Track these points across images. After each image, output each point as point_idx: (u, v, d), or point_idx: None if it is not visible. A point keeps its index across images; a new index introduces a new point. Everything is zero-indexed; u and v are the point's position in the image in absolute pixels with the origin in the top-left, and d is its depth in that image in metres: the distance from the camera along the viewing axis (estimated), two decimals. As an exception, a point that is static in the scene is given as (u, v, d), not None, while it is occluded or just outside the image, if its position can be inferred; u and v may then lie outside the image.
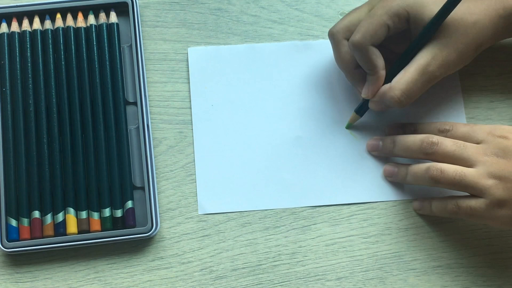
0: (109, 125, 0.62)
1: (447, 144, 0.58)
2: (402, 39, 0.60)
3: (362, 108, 0.62)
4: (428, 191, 0.62)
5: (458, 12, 0.57)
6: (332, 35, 0.61)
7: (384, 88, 0.59)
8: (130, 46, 0.64)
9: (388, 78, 0.60)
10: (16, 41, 0.64)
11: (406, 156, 0.61)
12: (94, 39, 0.64)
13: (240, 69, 0.66)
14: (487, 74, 0.65)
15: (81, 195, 0.61)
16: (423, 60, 0.58)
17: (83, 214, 0.61)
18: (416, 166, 0.60)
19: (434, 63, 0.58)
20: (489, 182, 0.56)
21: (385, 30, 0.58)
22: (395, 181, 0.63)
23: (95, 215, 0.61)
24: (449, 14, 0.57)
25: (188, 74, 0.65)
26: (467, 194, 0.58)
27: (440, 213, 0.60)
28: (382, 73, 0.59)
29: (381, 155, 0.63)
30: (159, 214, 0.62)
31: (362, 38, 0.58)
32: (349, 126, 0.64)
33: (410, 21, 0.58)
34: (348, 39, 0.60)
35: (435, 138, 0.58)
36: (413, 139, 0.59)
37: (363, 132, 0.64)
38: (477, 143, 0.58)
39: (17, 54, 0.63)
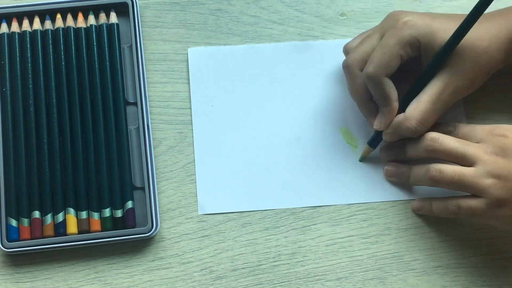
0: (109, 125, 0.62)
1: (449, 141, 0.58)
2: (411, 65, 0.60)
3: (375, 140, 0.62)
4: (427, 191, 0.62)
5: (468, 38, 0.57)
6: (347, 67, 0.60)
7: (399, 119, 0.59)
8: (130, 46, 0.64)
9: (401, 108, 0.59)
10: (16, 41, 0.64)
11: (415, 157, 0.60)
12: (94, 39, 0.64)
13: (240, 70, 0.66)
14: (487, 74, 0.65)
15: (81, 195, 0.61)
16: (435, 89, 0.58)
17: (83, 214, 0.61)
18: (417, 167, 0.60)
19: (446, 91, 0.58)
20: (488, 182, 0.56)
21: (398, 60, 0.58)
22: (397, 182, 0.63)
23: (95, 215, 0.61)
24: (459, 41, 0.57)
25: (188, 75, 0.65)
26: (468, 194, 0.58)
27: (440, 213, 0.60)
28: (396, 104, 0.59)
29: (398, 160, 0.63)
30: (159, 214, 0.62)
31: (376, 69, 0.58)
32: (363, 159, 0.63)
33: (422, 49, 0.58)
34: (361, 70, 0.59)
35: (435, 134, 0.58)
36: (418, 137, 0.60)
37: (361, 136, 0.64)
38: (478, 143, 0.58)
39: (17, 54, 0.63)
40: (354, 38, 0.63)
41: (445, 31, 0.57)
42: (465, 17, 0.56)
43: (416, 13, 0.59)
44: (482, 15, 0.56)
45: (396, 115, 0.60)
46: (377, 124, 0.61)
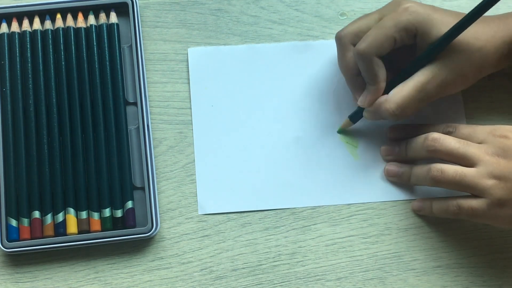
0: (109, 125, 0.62)
1: (450, 141, 0.58)
2: (406, 53, 0.60)
3: (356, 115, 0.62)
4: (427, 191, 0.62)
5: (464, 35, 0.57)
6: (339, 39, 0.61)
7: (381, 100, 0.59)
8: (130, 46, 0.64)
9: (386, 91, 0.60)
10: (16, 41, 0.64)
11: (415, 157, 0.61)
12: (94, 39, 0.64)
13: (240, 70, 0.66)
14: (488, 74, 0.65)
15: (81, 195, 0.61)
16: (422, 77, 0.58)
17: (83, 214, 0.61)
18: (417, 167, 0.60)
19: (433, 82, 0.58)
20: (489, 182, 0.56)
21: (391, 43, 0.58)
22: (397, 182, 0.63)
23: (95, 215, 0.61)
24: (455, 37, 0.57)
25: (188, 75, 0.65)
26: (469, 194, 0.58)
27: (441, 214, 0.60)
28: (382, 85, 0.59)
29: (397, 160, 0.63)
30: (159, 214, 0.62)
31: (368, 47, 0.58)
32: (341, 131, 0.64)
33: (417, 37, 0.58)
34: (354, 45, 0.59)
35: (436, 135, 0.58)
36: (418, 138, 0.60)
37: (361, 135, 0.64)
38: (479, 143, 0.58)
39: (17, 54, 0.63)
40: (349, 24, 0.61)
41: (444, 23, 0.57)
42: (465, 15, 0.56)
43: (418, 2, 0.59)
44: (481, 18, 0.56)
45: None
46: (361, 101, 0.61)
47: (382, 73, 0.59)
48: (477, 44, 0.58)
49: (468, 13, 0.56)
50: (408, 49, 0.60)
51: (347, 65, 0.61)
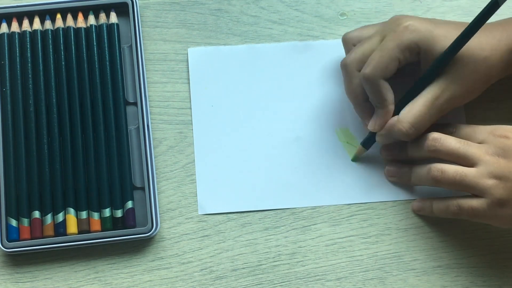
0: (109, 125, 0.62)
1: (451, 141, 0.58)
2: (411, 69, 0.60)
3: (368, 141, 0.62)
4: (427, 191, 0.62)
5: (469, 47, 0.57)
6: (344, 67, 0.60)
7: (392, 121, 0.59)
8: (130, 46, 0.64)
9: (396, 111, 0.59)
10: (16, 41, 0.64)
11: (415, 156, 0.60)
12: (94, 39, 0.64)
13: (240, 70, 0.66)
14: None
15: (81, 195, 0.61)
16: (431, 94, 0.58)
17: (83, 214, 0.61)
18: (418, 167, 0.60)
19: (442, 97, 0.58)
20: (489, 182, 0.56)
21: (396, 64, 0.58)
22: (397, 182, 0.63)
23: (95, 215, 0.61)
24: (459, 49, 0.56)
25: (188, 75, 0.65)
26: (469, 194, 0.58)
27: (441, 214, 0.60)
28: (391, 107, 0.59)
29: (400, 160, 0.63)
30: (159, 214, 0.62)
31: (373, 71, 0.58)
32: (356, 159, 0.63)
33: (421, 54, 0.58)
34: (360, 71, 0.59)
35: (437, 135, 0.58)
36: (420, 137, 0.60)
37: (361, 135, 0.64)
38: (479, 143, 0.58)
39: (17, 54, 0.63)
40: (355, 29, 0.63)
41: (446, 38, 0.57)
42: (467, 25, 0.56)
43: (418, 18, 0.59)
44: (484, 26, 0.56)
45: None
46: (371, 126, 0.60)
47: (390, 96, 0.59)
48: (483, 54, 0.57)
49: (469, 24, 0.55)
50: (413, 66, 0.60)
51: (355, 92, 0.60)
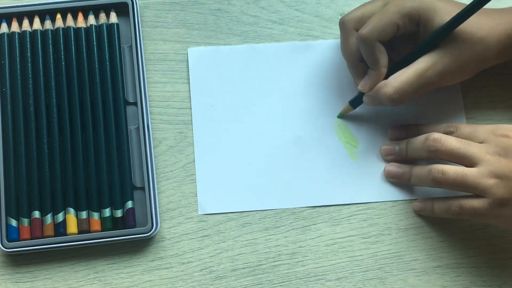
0: (109, 125, 0.62)
1: (451, 141, 0.58)
2: (409, 41, 0.61)
3: (356, 101, 0.63)
4: (427, 191, 0.62)
5: (467, 25, 0.57)
6: (343, 24, 0.61)
7: (380, 84, 0.60)
8: (130, 46, 0.64)
9: (387, 77, 0.60)
10: (16, 41, 0.64)
11: (416, 157, 0.61)
12: (94, 39, 0.64)
13: (240, 70, 0.66)
14: (487, 74, 0.65)
15: (81, 195, 0.61)
16: (423, 64, 0.58)
17: (83, 214, 0.61)
18: (418, 167, 0.60)
19: (433, 69, 0.58)
20: (490, 182, 0.56)
21: (394, 29, 0.58)
22: (397, 182, 0.63)
23: (95, 215, 0.61)
24: (458, 25, 0.57)
25: (188, 75, 0.65)
26: (469, 194, 0.58)
27: (442, 214, 0.60)
28: (384, 70, 0.60)
29: (396, 160, 0.63)
30: (159, 214, 0.62)
31: (370, 32, 0.58)
32: (341, 116, 0.64)
33: (420, 24, 0.59)
34: (357, 30, 0.60)
35: (437, 135, 0.58)
36: (419, 138, 0.60)
37: (361, 135, 0.64)
38: (480, 143, 0.58)
39: (17, 54, 0.63)
40: (353, 10, 0.62)
41: (447, 12, 0.57)
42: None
43: None
44: (484, 9, 0.56)
45: None
46: (362, 85, 0.61)
47: (383, 59, 0.59)
48: (479, 33, 0.58)
49: (471, 3, 0.56)
50: (411, 37, 0.60)
51: (350, 50, 0.61)
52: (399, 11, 0.58)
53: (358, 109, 0.63)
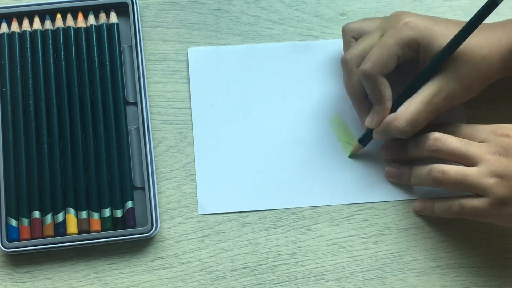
0: (109, 125, 0.62)
1: (452, 141, 0.58)
2: (410, 67, 0.60)
3: (365, 138, 0.62)
4: (427, 191, 0.62)
5: (468, 45, 0.57)
6: (345, 63, 0.60)
7: (389, 118, 0.59)
8: (130, 46, 0.64)
9: (393, 109, 0.59)
10: (16, 41, 0.64)
11: (416, 156, 0.60)
12: (94, 39, 0.64)
13: (240, 70, 0.66)
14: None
15: (81, 195, 0.61)
16: (428, 91, 0.58)
17: (83, 214, 0.61)
18: (418, 167, 0.60)
19: (440, 95, 0.58)
20: (491, 181, 0.56)
21: (395, 60, 0.58)
22: (398, 182, 0.63)
23: (95, 215, 0.61)
24: (458, 47, 0.56)
25: (188, 75, 0.65)
26: (471, 193, 0.58)
27: (443, 214, 0.60)
28: (389, 104, 0.59)
29: (399, 159, 0.63)
30: (159, 214, 0.62)
31: (372, 67, 0.58)
32: (352, 156, 0.63)
33: (420, 51, 0.58)
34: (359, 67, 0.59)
35: (438, 134, 0.58)
36: (419, 138, 0.60)
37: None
38: (481, 143, 0.58)
39: (17, 54, 0.63)
40: (356, 21, 0.63)
41: (445, 35, 0.57)
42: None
43: (418, 15, 0.59)
44: (484, 25, 0.56)
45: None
46: (368, 122, 0.60)
47: (387, 92, 0.59)
48: (482, 53, 0.57)
49: (468, 22, 0.55)
50: (412, 63, 0.60)
51: (354, 88, 0.60)
52: (397, 42, 0.57)
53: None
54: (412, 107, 0.58)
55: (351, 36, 0.61)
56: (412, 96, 0.58)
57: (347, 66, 0.60)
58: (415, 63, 0.59)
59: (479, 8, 0.54)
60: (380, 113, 0.59)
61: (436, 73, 0.58)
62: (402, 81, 0.60)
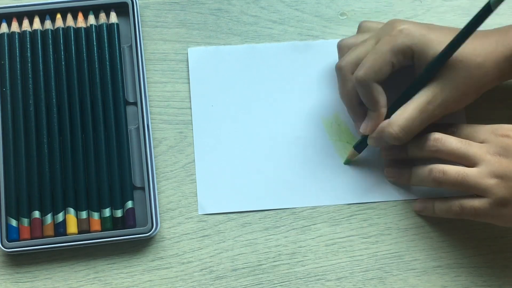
0: (109, 125, 0.62)
1: (452, 141, 0.58)
2: (405, 72, 0.60)
3: (360, 144, 0.62)
4: (427, 191, 0.62)
5: (463, 52, 0.56)
6: (339, 69, 0.60)
7: (383, 124, 0.59)
8: (130, 46, 0.64)
9: (388, 116, 0.59)
10: (16, 41, 0.64)
11: (416, 156, 0.60)
12: (94, 39, 0.64)
13: (240, 69, 0.66)
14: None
15: (81, 195, 0.61)
16: (423, 98, 0.57)
17: (83, 214, 0.61)
18: (418, 168, 0.60)
19: (434, 102, 0.57)
20: (491, 182, 0.56)
21: (389, 68, 0.58)
22: (398, 182, 0.63)
23: (95, 215, 0.61)
24: (452, 54, 0.56)
25: (188, 74, 0.65)
26: (471, 194, 0.58)
27: (443, 214, 0.60)
28: (383, 110, 0.59)
29: (398, 159, 0.63)
30: (159, 214, 0.62)
31: (366, 74, 0.57)
32: (348, 162, 0.63)
33: (415, 59, 0.58)
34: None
35: (438, 135, 0.58)
36: (420, 138, 0.59)
37: (361, 135, 0.64)
38: (481, 143, 0.58)
39: (17, 54, 0.63)
40: (351, 36, 0.63)
41: (440, 42, 0.57)
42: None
43: (413, 23, 0.59)
44: (480, 32, 0.55)
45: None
46: (363, 128, 0.60)
47: (382, 99, 0.59)
48: (477, 60, 0.57)
49: (462, 29, 0.55)
50: (407, 70, 0.59)
51: (348, 95, 0.60)
52: (392, 49, 0.57)
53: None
54: (406, 113, 0.58)
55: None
56: (407, 103, 0.58)
57: (341, 73, 0.60)
58: (410, 69, 0.59)
59: (476, 13, 0.54)
60: (375, 119, 0.59)
61: (431, 80, 0.58)
62: (397, 88, 0.59)
